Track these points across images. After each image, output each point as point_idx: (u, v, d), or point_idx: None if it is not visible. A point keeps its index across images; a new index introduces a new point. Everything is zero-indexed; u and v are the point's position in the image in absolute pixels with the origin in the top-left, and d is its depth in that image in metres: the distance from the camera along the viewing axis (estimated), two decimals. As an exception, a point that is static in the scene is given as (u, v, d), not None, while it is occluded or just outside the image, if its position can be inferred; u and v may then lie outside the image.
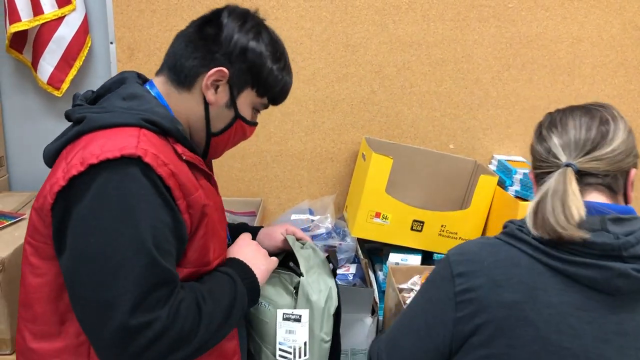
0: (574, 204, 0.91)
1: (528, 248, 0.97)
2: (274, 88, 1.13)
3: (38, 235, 0.99)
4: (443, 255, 1.90)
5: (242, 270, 1.12)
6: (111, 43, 2.04)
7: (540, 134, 1.05)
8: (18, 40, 1.98)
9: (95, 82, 2.10)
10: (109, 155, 0.89)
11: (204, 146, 1.15)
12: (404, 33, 2.07)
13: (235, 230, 1.36)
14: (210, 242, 1.05)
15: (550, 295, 0.92)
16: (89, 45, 2.03)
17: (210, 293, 1.01)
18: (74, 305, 0.94)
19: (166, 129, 1.00)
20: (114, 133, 0.94)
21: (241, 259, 1.15)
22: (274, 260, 1.23)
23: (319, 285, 1.27)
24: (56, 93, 2.02)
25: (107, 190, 0.89)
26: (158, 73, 1.12)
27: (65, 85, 2.02)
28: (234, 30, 1.07)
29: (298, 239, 1.37)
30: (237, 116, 1.12)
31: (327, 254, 1.36)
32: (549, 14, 2.08)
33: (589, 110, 1.02)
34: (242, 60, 1.07)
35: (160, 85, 1.10)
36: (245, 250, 1.18)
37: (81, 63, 2.02)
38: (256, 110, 1.17)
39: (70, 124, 1.04)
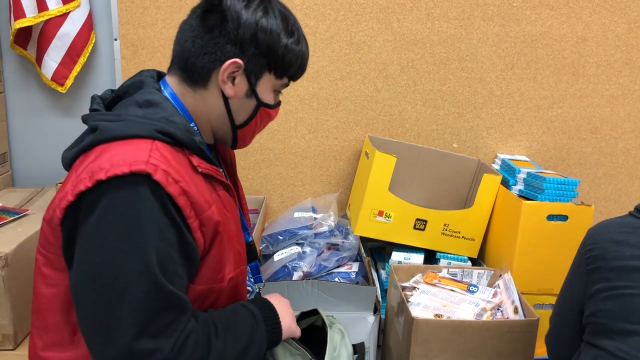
0: None
1: None
2: (292, 66, 1.06)
3: (49, 246, 0.96)
4: (445, 254, 1.91)
5: (268, 311, 1.08)
6: (115, 40, 2.04)
7: None
8: (22, 36, 1.98)
9: (99, 79, 2.10)
10: (117, 171, 0.86)
11: (231, 138, 1.11)
12: (408, 31, 2.07)
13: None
14: (225, 258, 1.01)
15: None
16: (93, 41, 2.03)
17: (226, 328, 0.97)
18: (79, 321, 0.92)
19: (181, 140, 0.95)
20: (125, 145, 0.91)
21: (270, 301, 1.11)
22: (298, 329, 1.16)
23: None
24: (60, 89, 2.02)
25: (114, 209, 0.87)
26: (169, 72, 1.08)
27: (69, 82, 2.02)
28: (239, 13, 0.99)
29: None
30: (260, 104, 1.07)
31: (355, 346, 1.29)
32: (553, 13, 2.08)
33: None
34: (255, 45, 1.01)
35: (174, 85, 1.06)
36: (276, 300, 1.13)
37: (85, 59, 2.02)
38: (278, 92, 1.12)
39: (86, 128, 1.02)
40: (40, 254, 0.99)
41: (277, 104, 1.13)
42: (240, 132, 1.10)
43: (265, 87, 1.07)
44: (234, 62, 1.00)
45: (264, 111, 1.09)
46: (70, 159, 0.97)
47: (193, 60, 1.02)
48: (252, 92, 1.05)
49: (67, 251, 0.92)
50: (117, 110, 1.00)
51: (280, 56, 1.04)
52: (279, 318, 1.08)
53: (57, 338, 0.98)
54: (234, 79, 1.03)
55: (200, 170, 0.97)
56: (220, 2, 1.01)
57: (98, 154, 0.91)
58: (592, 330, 1.09)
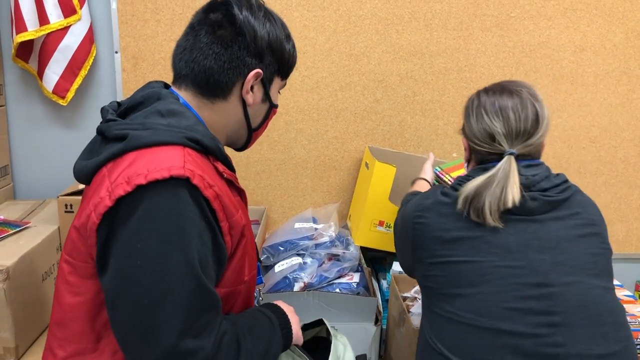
0: (511, 192, 1.11)
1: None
2: (292, 67, 1.15)
3: (77, 254, 0.96)
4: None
5: (282, 318, 1.10)
6: (116, 52, 2.05)
7: (480, 115, 1.22)
8: (24, 50, 1.99)
9: (100, 91, 2.11)
10: (157, 175, 0.87)
11: (245, 141, 1.16)
12: (407, 42, 2.08)
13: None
14: (245, 261, 1.04)
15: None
16: (94, 54, 2.04)
17: (251, 331, 0.99)
18: (114, 325, 0.91)
19: (209, 148, 0.98)
20: (159, 151, 0.92)
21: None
22: (301, 335, 1.18)
23: None
24: (61, 102, 2.03)
25: (155, 212, 0.88)
26: (180, 87, 1.08)
27: (70, 94, 2.03)
28: (253, 26, 1.04)
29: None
30: (272, 106, 1.14)
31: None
32: (551, 23, 2.09)
33: (517, 94, 1.19)
34: (270, 54, 1.07)
35: (188, 98, 1.06)
36: (284, 306, 1.15)
37: (86, 72, 2.03)
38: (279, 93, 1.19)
39: (95, 138, 1.02)
40: (65, 263, 0.98)
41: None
42: (255, 134, 1.16)
43: (274, 89, 1.13)
44: (256, 73, 1.05)
45: (273, 111, 1.16)
46: (95, 167, 0.96)
47: (217, 77, 1.04)
48: (266, 96, 1.11)
49: (101, 256, 0.92)
50: (138, 120, 1.00)
51: (287, 60, 1.11)
52: (290, 323, 1.11)
53: (82, 347, 0.97)
54: (252, 87, 1.08)
55: (225, 176, 1.01)
56: (230, 18, 1.03)
57: (132, 161, 0.91)
58: (427, 294, 1.21)
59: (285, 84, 1.18)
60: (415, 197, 1.30)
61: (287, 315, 1.12)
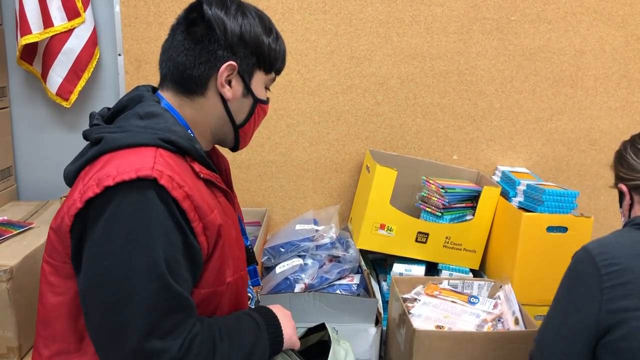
0: None
1: None
2: (276, 61, 1.13)
3: (56, 255, 0.99)
4: (446, 266, 1.91)
5: (271, 320, 1.10)
6: (119, 55, 2.07)
7: (637, 150, 1.26)
8: (28, 52, 2.01)
9: (104, 94, 2.13)
10: (124, 177, 0.89)
11: (233, 139, 1.16)
12: (408, 45, 2.09)
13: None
14: (226, 262, 1.04)
15: None
16: (97, 57, 2.06)
17: (230, 334, 1.00)
18: (87, 325, 0.93)
19: (184, 148, 0.99)
20: (130, 153, 0.94)
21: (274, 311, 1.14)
22: (298, 341, 1.18)
23: None
24: (65, 104, 2.05)
25: (122, 213, 0.89)
26: (162, 88, 1.11)
27: (73, 97, 2.04)
28: (222, 20, 1.05)
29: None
30: (256, 101, 1.13)
31: None
32: (551, 27, 2.10)
33: None
34: (244, 46, 1.07)
35: (169, 98, 1.09)
36: (279, 311, 1.15)
37: (90, 74, 2.04)
38: (267, 89, 1.17)
39: (87, 143, 1.04)
40: (46, 263, 1.01)
41: (268, 99, 1.19)
42: (242, 131, 1.15)
43: (258, 84, 1.12)
44: (229, 65, 1.06)
45: (260, 107, 1.15)
46: (75, 172, 1.00)
47: (189, 72, 1.06)
48: (247, 90, 1.10)
49: (76, 258, 0.94)
50: (119, 123, 1.03)
51: (267, 53, 1.10)
52: (281, 327, 1.11)
53: (65, 346, 1.00)
54: (230, 81, 1.08)
55: (202, 176, 1.01)
56: (201, 14, 1.05)
57: (104, 163, 0.94)
58: (624, 356, 1.02)
59: (273, 78, 1.17)
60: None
61: (277, 320, 1.11)
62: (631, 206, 1.23)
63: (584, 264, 1.09)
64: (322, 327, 1.34)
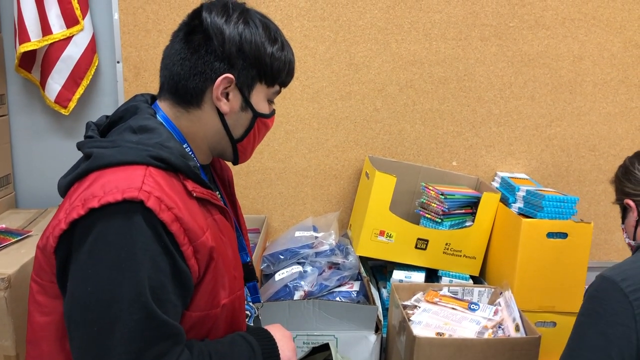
0: None
1: None
2: (281, 72, 1.06)
3: (43, 274, 0.95)
4: (446, 272, 1.91)
5: (267, 343, 1.07)
6: (118, 62, 2.07)
7: None
8: (27, 60, 2.01)
9: (102, 101, 2.13)
10: (110, 198, 0.86)
11: (232, 153, 1.10)
12: (407, 52, 2.10)
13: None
14: (219, 284, 1.00)
15: None
16: (96, 64, 2.05)
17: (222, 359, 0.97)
18: (72, 350, 0.90)
19: (175, 166, 0.95)
20: (119, 171, 0.90)
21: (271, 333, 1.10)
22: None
23: None
24: (63, 111, 2.04)
25: (106, 238, 0.86)
26: (160, 98, 1.07)
27: (72, 104, 2.04)
28: (221, 29, 0.99)
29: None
30: (256, 115, 1.06)
31: None
32: (550, 33, 2.11)
33: None
34: (242, 58, 1.00)
35: (166, 109, 1.05)
36: (277, 332, 1.12)
37: (88, 82, 2.04)
38: (271, 101, 1.11)
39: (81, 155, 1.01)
40: (34, 282, 0.98)
41: (272, 112, 1.12)
42: (240, 145, 1.09)
43: (258, 97, 1.06)
44: (225, 78, 1.00)
45: (260, 122, 1.09)
46: (65, 187, 0.97)
47: (184, 83, 1.01)
48: (246, 104, 1.05)
49: (61, 279, 0.91)
50: (112, 137, 1.00)
51: (269, 65, 1.03)
52: (277, 351, 1.07)
53: None
54: (227, 94, 1.02)
55: (195, 194, 0.96)
56: (200, 22, 1.01)
57: (92, 182, 0.90)
58: None
59: (278, 91, 1.10)
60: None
61: (274, 343, 1.08)
62: (637, 223, 1.20)
63: (608, 292, 1.03)
64: (327, 347, 1.33)
